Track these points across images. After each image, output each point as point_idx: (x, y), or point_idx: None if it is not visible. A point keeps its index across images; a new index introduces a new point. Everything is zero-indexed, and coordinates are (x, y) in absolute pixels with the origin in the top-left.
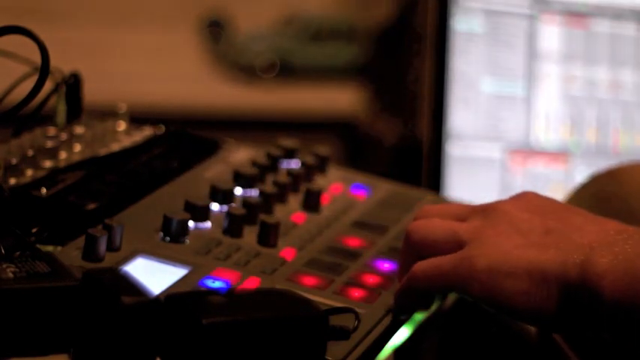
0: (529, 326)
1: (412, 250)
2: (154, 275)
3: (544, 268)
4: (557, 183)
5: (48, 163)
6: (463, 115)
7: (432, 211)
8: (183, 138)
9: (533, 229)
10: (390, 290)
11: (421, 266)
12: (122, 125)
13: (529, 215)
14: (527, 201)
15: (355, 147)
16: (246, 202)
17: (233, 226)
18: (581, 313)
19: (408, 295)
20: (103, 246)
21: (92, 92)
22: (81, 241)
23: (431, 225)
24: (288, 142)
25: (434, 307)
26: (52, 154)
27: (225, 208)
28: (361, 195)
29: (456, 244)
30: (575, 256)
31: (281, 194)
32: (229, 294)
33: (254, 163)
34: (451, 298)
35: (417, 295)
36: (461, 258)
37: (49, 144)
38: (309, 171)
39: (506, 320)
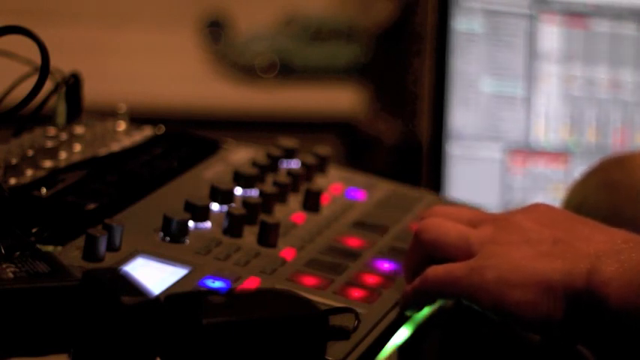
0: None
1: (421, 248)
2: (154, 275)
3: (551, 278)
4: (557, 183)
5: (48, 163)
6: (463, 115)
7: (443, 212)
8: (183, 138)
9: (542, 240)
10: (390, 290)
11: (435, 271)
12: (122, 125)
13: (539, 227)
14: (539, 212)
15: (355, 147)
16: (246, 202)
17: (233, 226)
18: (587, 321)
19: (418, 298)
20: (103, 246)
21: (92, 92)
22: (81, 241)
23: (444, 226)
24: (288, 142)
25: (437, 305)
26: (52, 154)
27: (225, 208)
28: (358, 198)
29: (467, 251)
30: (582, 265)
31: (281, 194)
32: (229, 294)
33: (254, 163)
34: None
35: (427, 298)
36: (471, 269)
37: (49, 144)
38: (309, 171)
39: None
